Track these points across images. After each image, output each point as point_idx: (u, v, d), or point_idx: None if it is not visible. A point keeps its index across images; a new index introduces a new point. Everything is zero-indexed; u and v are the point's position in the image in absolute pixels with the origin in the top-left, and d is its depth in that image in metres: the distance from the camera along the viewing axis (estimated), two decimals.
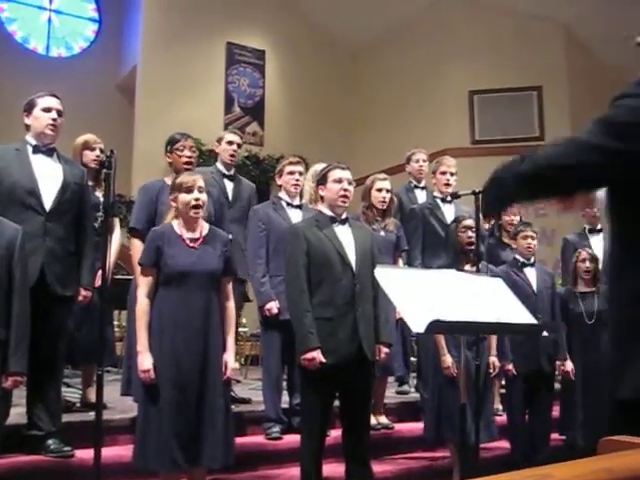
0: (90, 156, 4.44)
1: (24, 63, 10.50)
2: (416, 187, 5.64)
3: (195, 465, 3.18)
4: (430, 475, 4.12)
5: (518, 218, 5.37)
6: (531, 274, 4.68)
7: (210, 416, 3.16)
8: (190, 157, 4.19)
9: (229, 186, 4.70)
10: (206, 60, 10.56)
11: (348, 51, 11.72)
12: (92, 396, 4.30)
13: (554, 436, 4.82)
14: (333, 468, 3.84)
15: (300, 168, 4.48)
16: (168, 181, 4.15)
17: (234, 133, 4.95)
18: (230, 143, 4.77)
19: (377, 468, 3.94)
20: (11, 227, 2.97)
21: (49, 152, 3.68)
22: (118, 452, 3.73)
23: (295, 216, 4.39)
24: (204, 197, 3.37)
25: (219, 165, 4.79)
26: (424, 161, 5.63)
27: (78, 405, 4.38)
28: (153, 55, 10.15)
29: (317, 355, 3.35)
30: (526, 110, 9.97)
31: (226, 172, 4.76)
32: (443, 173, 5.21)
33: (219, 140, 4.83)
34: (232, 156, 4.77)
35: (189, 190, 3.31)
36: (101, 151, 4.47)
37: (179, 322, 3.18)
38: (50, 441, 3.52)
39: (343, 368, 3.40)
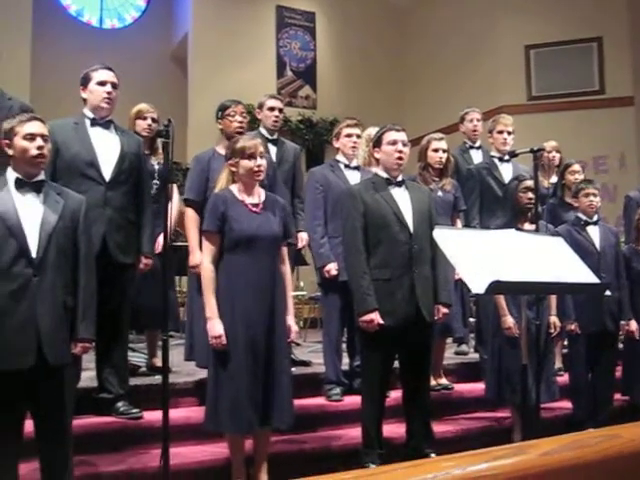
0: (142, 125, 4.50)
1: (79, 36, 10.61)
2: (471, 147, 5.54)
3: (265, 426, 3.23)
4: (490, 435, 4.12)
5: (582, 177, 5.16)
6: (594, 232, 4.55)
7: (278, 377, 3.20)
8: (241, 122, 4.20)
9: (273, 150, 4.66)
10: (256, 24, 10.49)
11: (399, 9, 11.48)
12: (157, 360, 4.44)
13: (616, 397, 4.74)
14: (394, 429, 3.89)
15: (357, 130, 4.49)
16: (218, 149, 4.17)
17: (275, 98, 4.87)
18: (272, 109, 4.72)
19: (437, 428, 3.97)
20: (75, 198, 3.02)
21: (106, 124, 3.75)
22: (183, 414, 3.85)
23: (353, 178, 4.39)
24: (265, 163, 3.38)
25: (262, 130, 4.74)
26: (478, 120, 5.54)
27: (144, 369, 4.51)
28: (204, 22, 10.14)
29: (375, 317, 3.38)
30: (585, 63, 9.59)
31: (269, 137, 4.71)
32: (500, 132, 5.10)
33: (260, 106, 4.78)
34: (275, 122, 4.72)
35: (252, 156, 3.31)
36: (153, 120, 4.53)
37: (249, 285, 3.19)
38: (119, 403, 3.66)
39: (402, 329, 3.41)
